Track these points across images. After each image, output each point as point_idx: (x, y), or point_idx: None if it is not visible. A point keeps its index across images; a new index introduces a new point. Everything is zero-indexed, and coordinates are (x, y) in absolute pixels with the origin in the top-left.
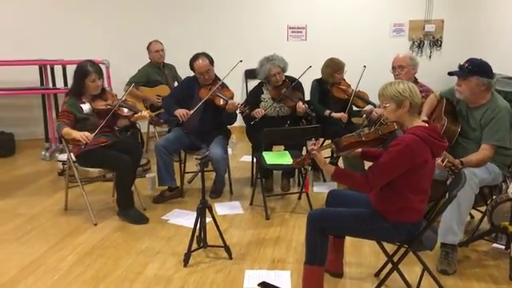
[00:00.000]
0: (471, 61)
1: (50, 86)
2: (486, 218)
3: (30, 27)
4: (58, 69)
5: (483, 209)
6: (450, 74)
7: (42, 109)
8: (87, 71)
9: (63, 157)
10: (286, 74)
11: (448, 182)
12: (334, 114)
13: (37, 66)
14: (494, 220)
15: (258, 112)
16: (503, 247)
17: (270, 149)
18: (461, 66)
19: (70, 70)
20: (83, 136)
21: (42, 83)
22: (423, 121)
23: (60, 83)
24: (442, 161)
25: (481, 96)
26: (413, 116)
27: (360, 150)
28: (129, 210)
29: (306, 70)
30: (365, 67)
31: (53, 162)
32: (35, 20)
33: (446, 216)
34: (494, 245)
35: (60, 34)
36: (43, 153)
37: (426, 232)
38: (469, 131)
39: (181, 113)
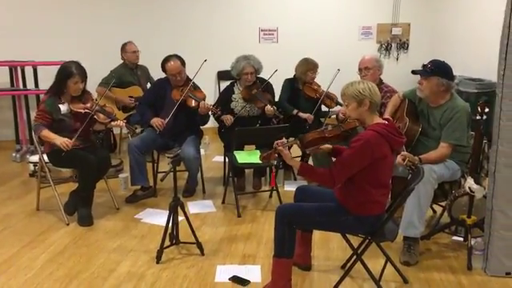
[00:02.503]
0: (434, 62)
1: (21, 87)
2: (446, 212)
3: (1, 28)
4: (28, 70)
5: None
6: (414, 72)
7: (13, 110)
8: (71, 73)
9: (34, 158)
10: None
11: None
12: (301, 114)
13: (7, 67)
14: (453, 213)
15: (227, 120)
16: (462, 239)
17: (241, 148)
18: (424, 66)
19: (41, 71)
20: (63, 144)
21: (12, 84)
22: (383, 118)
23: (31, 84)
24: (403, 160)
25: (440, 96)
26: (373, 114)
27: (327, 146)
28: (81, 208)
29: (272, 74)
30: (338, 70)
31: (24, 164)
32: (5, 21)
33: (407, 210)
34: (454, 237)
35: (31, 36)
36: (14, 154)
37: (388, 224)
38: (429, 130)
39: (156, 123)
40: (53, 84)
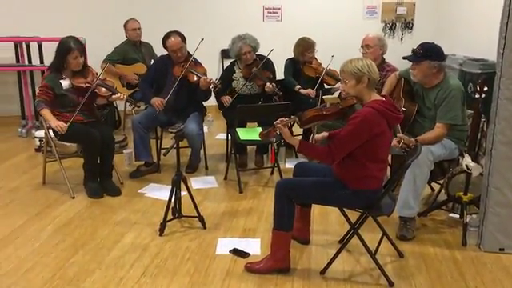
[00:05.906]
0: (422, 45)
1: (26, 63)
2: (443, 189)
3: (5, 4)
4: (33, 46)
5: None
6: (404, 58)
7: (18, 86)
8: (70, 48)
9: (40, 133)
10: (258, 53)
11: None
12: (302, 90)
13: (12, 43)
14: (450, 191)
15: (226, 100)
16: (458, 216)
17: (243, 126)
18: (413, 51)
19: (46, 46)
20: (58, 127)
21: (17, 60)
22: (381, 95)
23: (36, 60)
24: (398, 142)
25: (433, 77)
26: (371, 91)
27: (323, 134)
28: (88, 182)
29: (269, 53)
30: (332, 57)
31: (29, 139)
32: None
33: (403, 191)
34: (451, 214)
35: (36, 11)
36: (20, 130)
37: (385, 199)
38: (425, 110)
39: (156, 103)
40: (53, 61)
